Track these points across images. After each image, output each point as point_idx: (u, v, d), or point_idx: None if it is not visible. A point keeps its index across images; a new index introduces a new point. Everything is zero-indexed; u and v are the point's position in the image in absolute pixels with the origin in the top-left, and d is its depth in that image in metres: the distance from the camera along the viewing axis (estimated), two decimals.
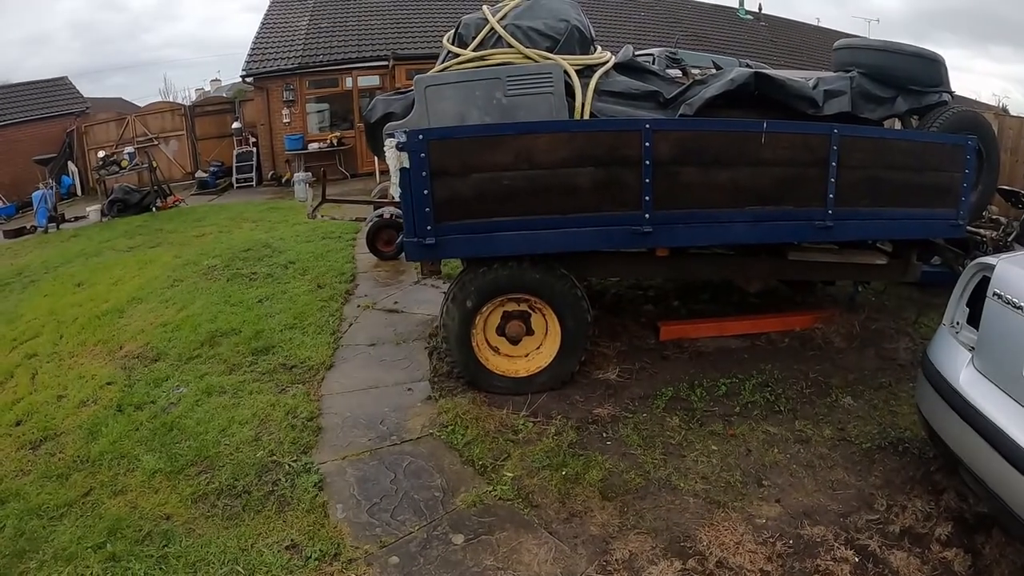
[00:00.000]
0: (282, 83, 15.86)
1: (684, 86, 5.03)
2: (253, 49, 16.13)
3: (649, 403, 4.43)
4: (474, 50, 4.70)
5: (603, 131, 4.23)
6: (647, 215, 4.30)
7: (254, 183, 16.38)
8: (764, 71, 5.00)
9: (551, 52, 4.61)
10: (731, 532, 3.19)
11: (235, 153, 16.72)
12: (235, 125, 17.32)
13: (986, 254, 6.39)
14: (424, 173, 3.90)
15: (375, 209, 8.63)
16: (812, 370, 4.96)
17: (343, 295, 6.59)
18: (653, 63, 6.06)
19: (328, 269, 7.44)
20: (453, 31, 4.98)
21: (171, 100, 22.29)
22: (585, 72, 4.70)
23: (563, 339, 4.54)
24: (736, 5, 23.03)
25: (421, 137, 3.87)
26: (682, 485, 3.55)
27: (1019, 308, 2.88)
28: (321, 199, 8.84)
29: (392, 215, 7.78)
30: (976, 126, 5.59)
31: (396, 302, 6.41)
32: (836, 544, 3.11)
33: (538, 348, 4.65)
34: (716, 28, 21.12)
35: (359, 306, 6.28)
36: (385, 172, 15.36)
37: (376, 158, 15.31)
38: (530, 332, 4.61)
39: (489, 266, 4.30)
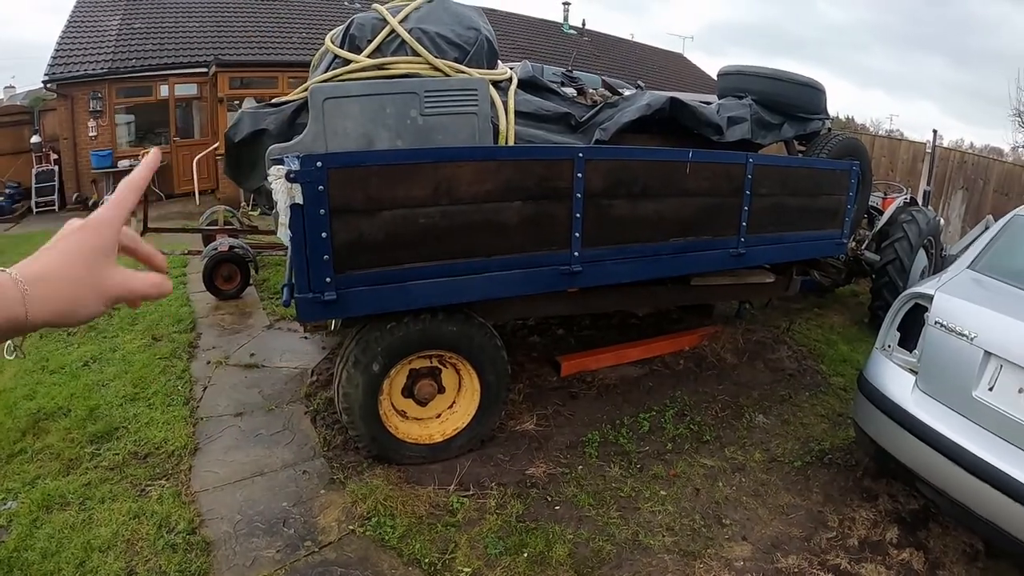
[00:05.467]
0: (89, 90, 13.71)
1: (594, 108, 4.61)
2: (57, 52, 13.77)
3: (580, 453, 4.12)
4: (371, 56, 3.86)
5: (534, 160, 3.59)
6: (576, 253, 3.80)
7: (57, 207, 13.78)
8: (677, 97, 4.70)
9: (460, 64, 3.93)
10: None
11: (34, 172, 13.96)
12: (34, 139, 14.45)
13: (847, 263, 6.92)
14: (323, 210, 3.03)
15: (207, 239, 7.52)
16: (717, 391, 5.13)
17: (187, 348, 5.39)
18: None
19: (161, 316, 6.13)
20: (342, 31, 4.07)
21: None
22: (495, 89, 4.07)
23: (483, 395, 3.94)
24: (561, 20, 23.51)
25: (320, 164, 2.99)
26: (652, 543, 3.34)
27: (962, 335, 3.23)
28: (143, 228, 7.46)
29: (231, 247, 6.72)
30: (857, 151, 5.89)
31: (252, 354, 5.36)
32: (814, 570, 3.21)
33: (451, 407, 4.01)
34: (542, 42, 21.31)
35: (209, 362, 5.15)
36: (205, 192, 14.05)
37: (195, 176, 13.86)
38: (441, 390, 3.94)
39: (398, 321, 3.54)
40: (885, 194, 7.98)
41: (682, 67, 25.56)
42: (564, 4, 23.58)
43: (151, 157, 0.86)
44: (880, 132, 28.18)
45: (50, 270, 0.69)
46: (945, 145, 13.36)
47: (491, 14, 20.82)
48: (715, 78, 6.35)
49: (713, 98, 5.93)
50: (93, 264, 0.72)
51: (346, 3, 17.76)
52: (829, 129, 6.07)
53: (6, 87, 30.93)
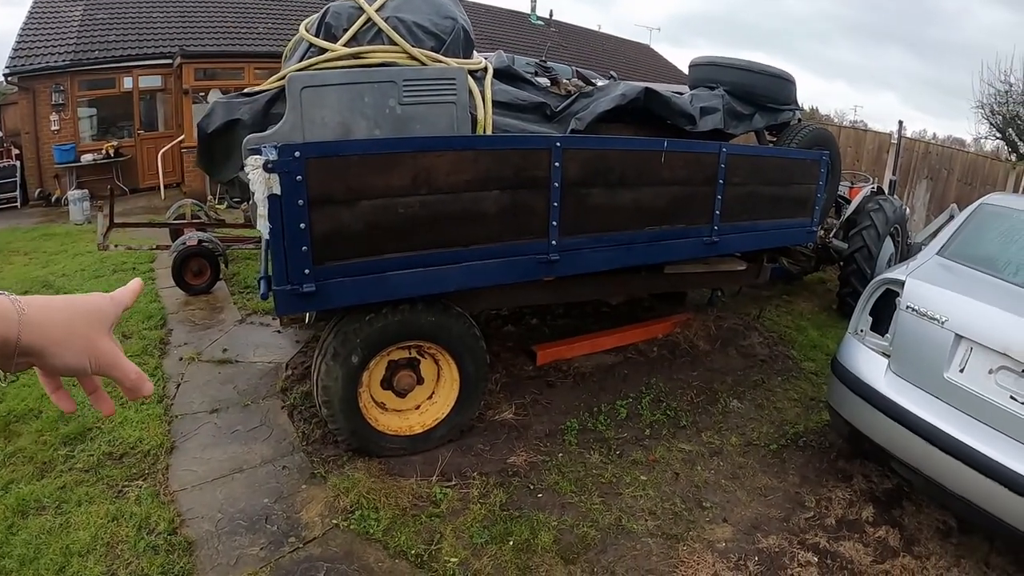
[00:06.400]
0: (51, 83, 13.33)
1: (570, 98, 4.62)
2: (19, 43, 13.37)
3: (560, 440, 4.16)
4: (347, 45, 3.80)
5: (512, 149, 3.57)
6: (554, 242, 3.81)
7: (19, 203, 13.35)
8: (651, 87, 4.73)
9: (437, 53, 3.90)
10: (703, 564, 3.16)
11: None
12: None
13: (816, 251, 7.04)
14: (301, 201, 2.98)
15: (175, 234, 7.39)
16: (692, 377, 5.24)
17: (158, 345, 5.27)
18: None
19: (131, 312, 5.93)
20: (318, 20, 4.00)
21: None
22: (473, 78, 4.05)
23: (462, 385, 3.95)
24: (528, 11, 23.51)
25: (298, 154, 2.93)
26: (635, 527, 3.39)
27: (934, 319, 3.35)
28: (109, 224, 7.30)
29: (200, 241, 6.62)
30: (826, 141, 5.99)
31: (225, 349, 5.26)
32: (794, 549, 3.30)
33: (430, 398, 4.00)
34: (510, 32, 21.32)
35: (182, 359, 5.05)
36: (171, 186, 13.80)
37: (160, 170, 13.62)
38: (420, 381, 3.94)
39: (377, 312, 3.51)
40: (852, 183, 8.14)
41: (649, 58, 25.69)
42: None
43: (136, 284, 0.91)
44: (845, 123, 28.63)
45: (52, 307, 0.74)
46: (909, 136, 13.65)
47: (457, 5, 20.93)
48: (682, 69, 6.40)
49: (685, 88, 5.97)
50: (90, 322, 0.77)
51: None
52: (799, 120, 6.16)
53: None
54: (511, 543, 3.15)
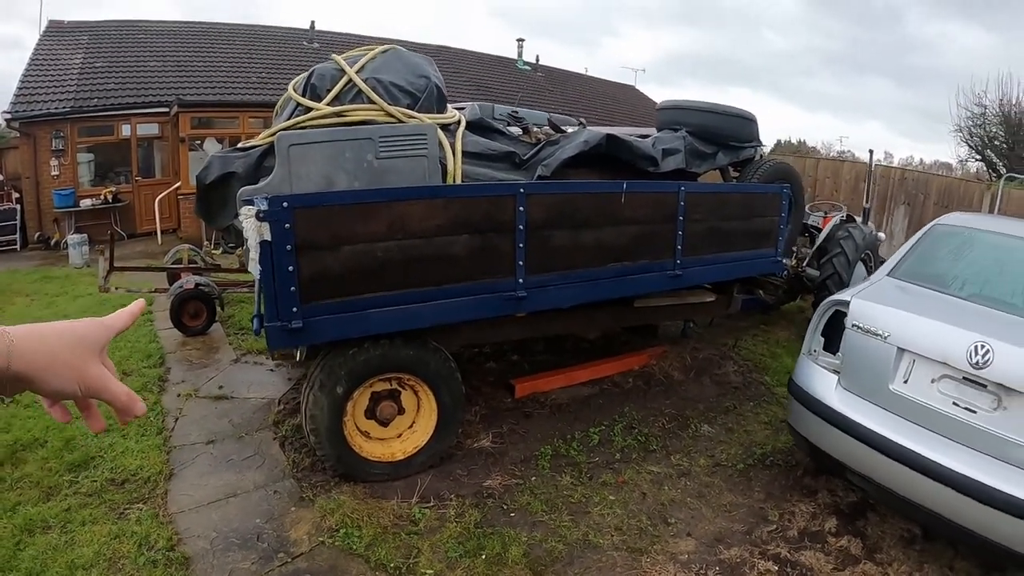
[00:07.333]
0: (51, 129, 13.76)
1: (537, 146, 5.00)
2: (20, 89, 13.81)
3: (534, 465, 4.42)
4: (330, 104, 4.22)
5: (479, 196, 3.96)
6: (520, 280, 4.15)
7: (18, 246, 13.73)
8: (612, 134, 5.11)
9: (411, 110, 4.30)
10: (665, 574, 3.37)
11: None
12: None
13: (788, 280, 7.35)
14: (289, 246, 3.35)
15: (172, 277, 7.72)
16: (664, 406, 5.45)
17: (157, 382, 5.59)
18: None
19: (131, 352, 6.33)
20: (304, 80, 4.43)
21: None
22: (444, 132, 4.44)
23: (440, 415, 4.24)
24: (515, 57, 24.09)
25: (286, 204, 3.31)
26: (601, 542, 3.61)
27: (876, 335, 3.60)
28: (110, 267, 7.64)
29: (197, 284, 6.95)
30: (788, 175, 6.35)
31: (221, 386, 5.58)
32: (754, 559, 3.48)
33: (411, 427, 4.29)
34: (497, 78, 21.80)
35: (179, 395, 5.36)
36: (167, 231, 14.15)
37: (157, 216, 13.96)
38: (401, 411, 4.24)
39: (359, 346, 3.85)
40: (826, 213, 8.43)
41: (634, 98, 26.30)
42: (518, 41, 24.25)
43: (137, 306, 0.97)
44: (832, 154, 29.20)
45: (39, 336, 0.79)
46: (895, 163, 14.11)
47: (446, 52, 21.54)
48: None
49: (654, 131, 6.34)
50: (77, 347, 0.81)
51: (305, 43, 18.14)
52: (761, 156, 6.54)
53: None
54: (483, 557, 3.42)
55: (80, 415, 0.89)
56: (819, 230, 7.98)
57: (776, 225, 5.87)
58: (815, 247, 7.77)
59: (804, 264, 7.71)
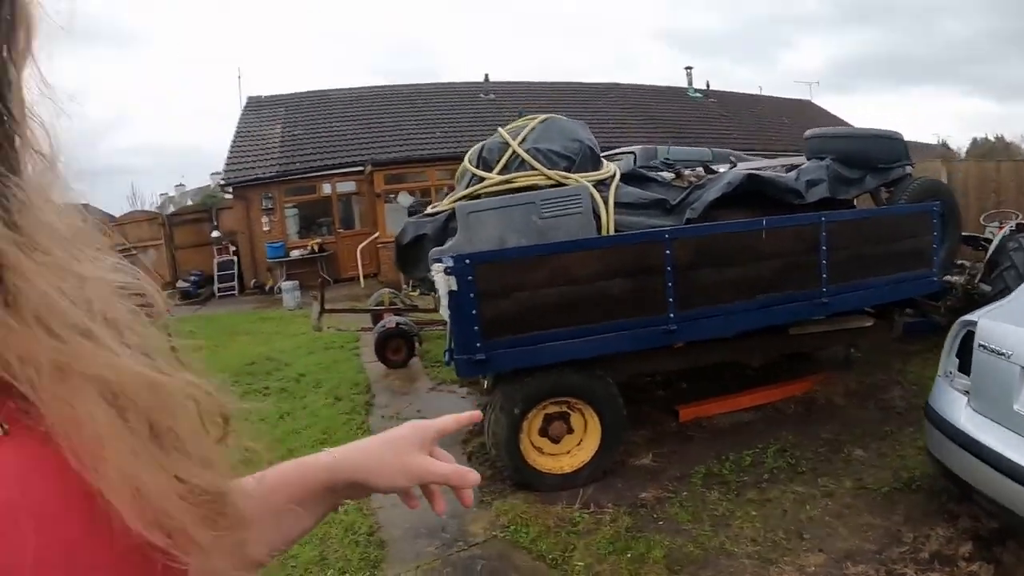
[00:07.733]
0: (261, 191, 16.12)
1: (686, 191, 5.45)
2: (230, 159, 16.45)
3: (687, 482, 4.71)
4: (499, 173, 5.09)
5: (630, 244, 4.63)
6: (672, 315, 4.66)
7: (236, 291, 16.34)
8: (754, 172, 5.47)
9: (569, 172, 5.03)
10: None
11: (216, 262, 16.68)
12: (214, 234, 17.26)
13: (961, 299, 7.05)
14: (471, 294, 4.18)
15: (376, 318, 8.86)
16: (823, 430, 5.45)
17: (364, 406, 6.67)
18: (636, 162, 6.58)
19: (341, 380, 7.55)
20: (476, 154, 5.35)
21: (143, 208, 22.32)
22: (599, 187, 5.12)
23: (603, 434, 4.78)
24: (685, 85, 24.14)
25: (468, 261, 4.17)
26: (736, 550, 3.85)
27: (1002, 355, 3.48)
28: (321, 309, 8.99)
29: (398, 323, 8.00)
30: (936, 191, 6.25)
31: (419, 410, 6.47)
32: None
33: (579, 444, 4.86)
34: (669, 109, 22.12)
35: (383, 417, 6.35)
36: (369, 276, 15.84)
37: (359, 262, 15.70)
38: (570, 430, 4.84)
39: (533, 374, 4.56)
40: (1000, 223, 7.96)
41: (811, 113, 25.27)
42: (686, 69, 24.32)
43: (467, 417, 0.98)
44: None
45: (361, 447, 0.88)
46: None
47: (616, 89, 22.21)
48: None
49: (803, 160, 6.50)
50: (400, 449, 0.86)
51: (481, 95, 19.60)
52: (910, 174, 6.48)
53: (176, 185, 35.46)
54: (628, 555, 3.90)
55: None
56: (990, 242, 7.54)
57: (929, 244, 5.75)
58: (985, 260, 7.41)
59: (978, 279, 7.29)
